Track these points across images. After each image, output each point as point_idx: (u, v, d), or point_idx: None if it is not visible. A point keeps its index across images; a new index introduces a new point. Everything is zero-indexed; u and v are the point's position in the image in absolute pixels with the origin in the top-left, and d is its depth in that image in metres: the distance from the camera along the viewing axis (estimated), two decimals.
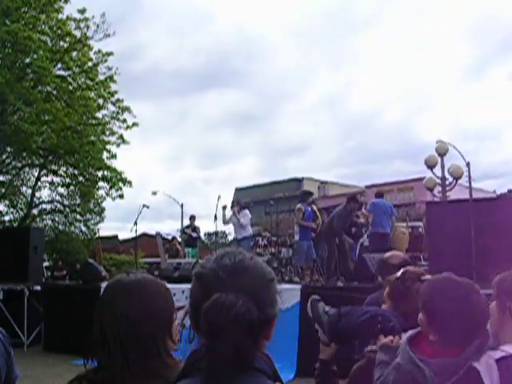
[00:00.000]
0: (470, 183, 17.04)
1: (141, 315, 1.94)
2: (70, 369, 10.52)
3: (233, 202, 16.26)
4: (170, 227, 50.36)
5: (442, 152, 16.39)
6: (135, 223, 14.65)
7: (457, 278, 2.59)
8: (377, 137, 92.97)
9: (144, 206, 15.24)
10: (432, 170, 16.59)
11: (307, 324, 9.75)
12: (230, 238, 43.84)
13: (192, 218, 18.68)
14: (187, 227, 18.63)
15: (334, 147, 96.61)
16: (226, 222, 15.42)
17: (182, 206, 42.01)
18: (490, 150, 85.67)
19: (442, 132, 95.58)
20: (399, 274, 3.20)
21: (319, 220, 14.69)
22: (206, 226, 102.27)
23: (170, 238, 20.95)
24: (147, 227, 35.96)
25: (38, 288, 13.83)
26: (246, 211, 15.54)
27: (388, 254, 4.77)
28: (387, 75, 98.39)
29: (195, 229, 18.21)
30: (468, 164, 16.57)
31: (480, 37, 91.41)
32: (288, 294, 10.09)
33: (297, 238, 14.18)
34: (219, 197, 15.25)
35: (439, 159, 16.53)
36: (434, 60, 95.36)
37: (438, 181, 16.69)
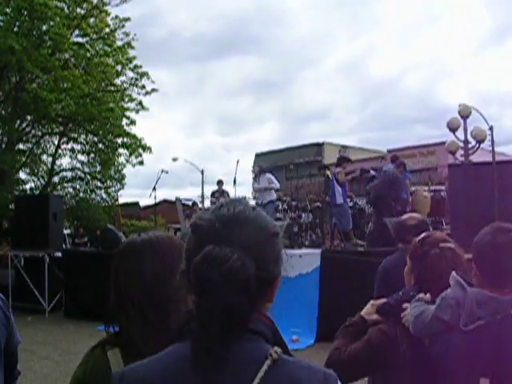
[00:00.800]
0: (492, 147, 16.77)
1: (155, 274, 1.88)
2: (90, 334, 10.55)
3: (253, 168, 16.09)
4: (191, 193, 50.50)
5: (464, 115, 16.01)
6: (154, 189, 14.62)
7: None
8: (397, 102, 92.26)
9: (163, 171, 15.18)
10: (454, 133, 16.24)
11: (327, 289, 9.74)
12: (252, 202, 43.78)
13: (220, 182, 18.41)
14: (215, 192, 18.44)
15: (354, 113, 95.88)
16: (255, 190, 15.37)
17: (202, 172, 41.99)
18: None
19: (464, 97, 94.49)
20: (420, 237, 3.11)
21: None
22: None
23: (190, 203, 20.83)
24: (168, 194, 36.20)
25: (59, 255, 13.86)
26: (268, 175, 15.39)
27: (405, 216, 4.69)
28: (407, 41, 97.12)
29: (223, 193, 18.05)
30: (491, 128, 16.28)
31: (502, 2, 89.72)
32: (308, 259, 10.03)
33: (340, 200, 13.91)
34: (238, 161, 15.14)
35: (462, 122, 16.19)
36: (455, 25, 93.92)
37: (461, 144, 16.38)
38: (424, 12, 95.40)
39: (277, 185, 15.35)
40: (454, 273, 2.58)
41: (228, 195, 17.89)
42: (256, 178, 15.34)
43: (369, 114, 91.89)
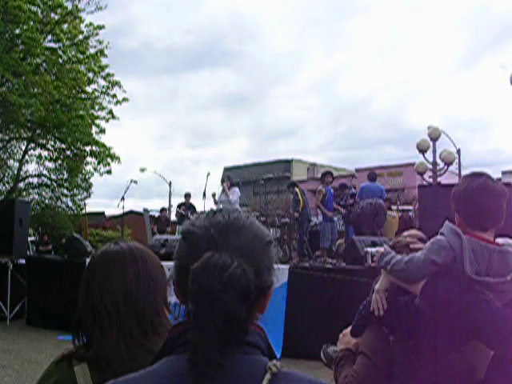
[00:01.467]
0: (459, 169, 17.00)
1: (139, 284, 1.82)
2: (53, 343, 10.41)
3: (222, 179, 15.97)
4: (157, 205, 50.24)
5: (434, 137, 16.28)
6: (122, 198, 14.49)
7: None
8: (368, 122, 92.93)
9: (132, 181, 15.07)
10: (424, 155, 16.48)
11: (294, 305, 9.71)
12: None
13: (187, 195, 18.31)
14: (182, 205, 18.33)
15: (325, 131, 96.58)
16: (217, 202, 15.23)
17: (170, 184, 41.94)
18: (479, 139, 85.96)
19: (433, 120, 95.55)
20: (392, 241, 3.26)
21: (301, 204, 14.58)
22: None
23: (156, 215, 20.73)
24: (135, 205, 35.90)
25: (23, 261, 13.64)
26: (236, 189, 15.36)
27: (404, 233, 4.79)
28: (380, 61, 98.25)
29: (191, 207, 17.94)
30: (459, 151, 16.58)
31: (473, 27, 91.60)
32: (276, 275, 9.96)
33: (320, 219, 13.98)
34: (208, 174, 15.13)
35: (431, 144, 16.43)
36: (427, 48, 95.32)
37: (429, 166, 16.59)
38: (397, 33, 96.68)
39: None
40: (447, 221, 2.78)
41: (194, 209, 17.81)
42: (223, 190, 15.25)
43: (339, 132, 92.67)
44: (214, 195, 15.19)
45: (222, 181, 15.92)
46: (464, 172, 21.55)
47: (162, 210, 19.02)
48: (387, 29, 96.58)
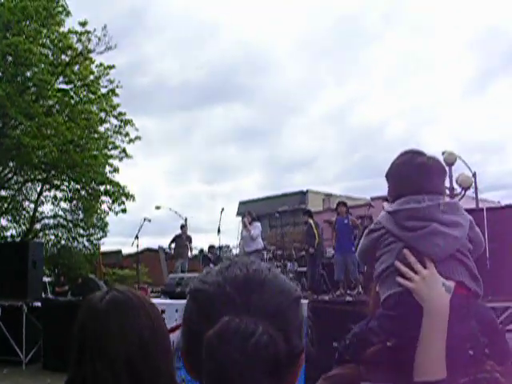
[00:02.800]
0: (476, 193, 16.76)
1: (152, 334, 1.62)
2: None
3: (239, 213, 15.77)
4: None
5: (449, 162, 16.08)
6: (136, 237, 14.36)
7: None
8: (382, 150, 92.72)
9: (145, 219, 14.93)
10: None
11: (314, 341, 9.45)
12: (235, 251, 43.47)
13: (183, 226, 18.15)
14: (178, 236, 17.99)
15: (339, 161, 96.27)
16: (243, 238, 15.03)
17: (185, 220, 41.79)
18: (494, 162, 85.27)
19: (447, 144, 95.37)
20: None
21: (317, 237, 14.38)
22: (209, 240, 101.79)
23: (172, 252, 20.42)
24: (150, 242, 35.81)
25: (38, 304, 13.48)
26: (258, 223, 15.17)
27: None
28: (392, 88, 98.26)
29: (188, 238, 17.72)
30: (474, 174, 16.33)
31: (484, 49, 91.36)
32: None
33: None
34: (222, 209, 14.94)
35: (447, 169, 16.20)
36: (439, 73, 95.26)
37: (446, 191, 16.34)
38: (408, 59, 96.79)
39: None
40: None
41: (190, 240, 17.59)
42: (245, 225, 15.07)
43: (353, 162, 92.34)
44: (239, 244, 15.02)
45: (243, 216, 15.73)
46: (481, 196, 21.31)
47: (182, 226, 18.44)
48: (398, 55, 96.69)
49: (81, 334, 1.63)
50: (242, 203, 46.58)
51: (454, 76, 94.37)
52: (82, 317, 1.67)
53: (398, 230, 2.29)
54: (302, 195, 44.94)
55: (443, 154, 21.27)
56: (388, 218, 2.37)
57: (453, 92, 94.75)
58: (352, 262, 13.18)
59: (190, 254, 17.63)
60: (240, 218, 45.04)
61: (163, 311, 11.06)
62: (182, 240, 17.44)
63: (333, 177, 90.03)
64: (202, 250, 17.81)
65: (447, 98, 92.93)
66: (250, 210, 15.88)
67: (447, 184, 16.48)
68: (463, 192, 16.06)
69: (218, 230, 14.24)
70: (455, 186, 16.32)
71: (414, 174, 2.45)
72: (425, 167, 2.46)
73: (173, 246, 17.77)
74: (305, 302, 9.97)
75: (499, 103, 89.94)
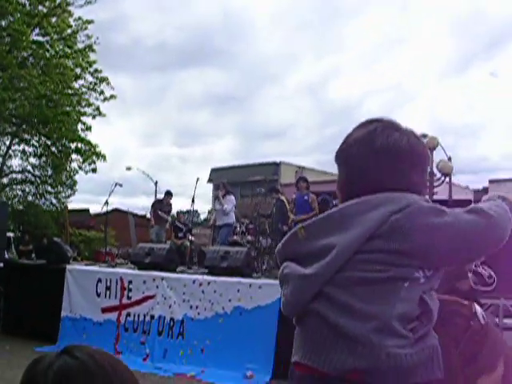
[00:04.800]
0: (450, 180, 16.51)
1: None
2: (29, 357, 9.73)
3: (217, 186, 15.19)
4: (142, 203, 49.79)
5: (431, 147, 15.71)
6: (106, 202, 13.82)
7: None
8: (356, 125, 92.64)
9: (117, 184, 14.37)
10: None
11: (287, 322, 9.15)
12: (203, 216, 43.03)
13: (168, 193, 17.23)
14: (159, 201, 17.36)
15: (313, 134, 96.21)
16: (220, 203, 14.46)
17: (156, 183, 41.31)
18: (465, 146, 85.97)
19: (422, 125, 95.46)
20: None
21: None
22: (178, 204, 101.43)
23: (143, 213, 19.87)
24: (119, 202, 35.40)
25: (0, 265, 12.98)
26: (232, 197, 14.70)
27: None
28: (370, 65, 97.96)
29: (169, 206, 16.91)
30: (450, 158, 16.01)
31: (466, 33, 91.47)
32: (268, 290, 9.39)
33: None
34: (198, 179, 14.45)
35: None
36: (418, 53, 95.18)
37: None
38: (389, 37, 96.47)
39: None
40: None
41: (171, 208, 16.88)
42: (217, 198, 14.63)
43: (327, 135, 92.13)
44: (210, 212, 14.57)
45: (216, 188, 15.22)
46: (454, 180, 21.10)
47: (168, 193, 17.38)
48: (379, 32, 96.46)
49: None
50: (213, 170, 46.19)
51: (433, 57, 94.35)
52: None
53: None
54: (275, 166, 44.59)
55: (425, 137, 20.99)
56: None
57: (431, 73, 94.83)
58: None
59: (167, 222, 16.85)
60: (211, 185, 44.87)
61: (130, 282, 10.69)
62: (163, 206, 16.75)
63: (305, 149, 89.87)
64: (173, 221, 17.17)
65: (426, 78, 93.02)
66: (224, 182, 15.37)
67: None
68: (443, 178, 15.75)
69: (193, 200, 13.74)
70: (435, 171, 15.99)
71: (351, 165, 1.88)
72: (376, 155, 1.83)
73: (179, 224, 17.07)
74: (277, 282, 9.64)
75: (477, 88, 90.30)
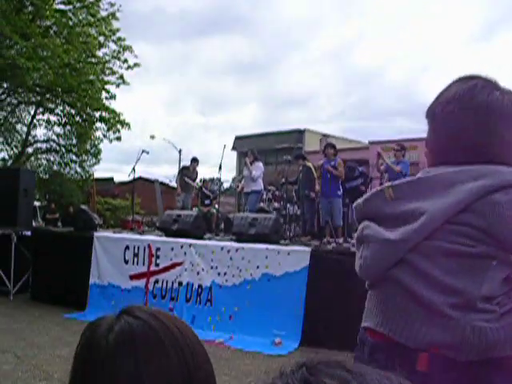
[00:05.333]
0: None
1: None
2: (58, 323, 9.84)
3: (246, 152, 14.99)
4: (166, 171, 49.86)
5: None
6: (133, 170, 13.79)
7: None
8: (381, 93, 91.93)
9: (144, 151, 14.34)
10: None
11: (315, 290, 9.12)
12: (226, 185, 43.04)
13: (195, 160, 16.88)
14: (186, 168, 16.98)
15: (337, 101, 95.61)
16: (237, 187, 14.39)
17: (180, 151, 41.30)
18: None
19: None
20: None
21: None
22: (203, 172, 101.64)
23: (168, 182, 19.77)
24: (143, 170, 35.50)
25: (28, 233, 13.06)
26: (260, 164, 14.55)
27: None
28: (395, 31, 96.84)
29: (195, 173, 16.60)
30: None
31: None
32: (297, 257, 9.38)
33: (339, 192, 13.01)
34: (225, 146, 14.38)
35: None
36: (443, 20, 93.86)
37: None
38: (415, 3, 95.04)
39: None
40: None
41: (197, 175, 16.57)
42: (246, 164, 14.51)
43: (351, 103, 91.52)
44: (234, 180, 14.44)
45: (245, 154, 15.05)
46: None
47: (194, 160, 16.97)
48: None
49: None
50: (237, 138, 45.96)
51: (458, 23, 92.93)
52: (79, 358, 1.08)
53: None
54: (300, 134, 44.26)
55: None
56: None
57: (456, 39, 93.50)
58: (337, 208, 12.60)
59: (194, 189, 16.61)
60: (235, 153, 44.78)
61: (158, 249, 10.71)
62: (189, 173, 16.48)
63: (329, 116, 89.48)
64: (200, 187, 17.02)
65: (451, 44, 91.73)
66: (252, 149, 15.25)
67: None
68: None
69: (220, 167, 13.69)
70: None
71: (449, 124, 1.72)
72: (476, 114, 1.68)
73: (205, 191, 16.94)
74: (307, 249, 9.60)
75: (503, 53, 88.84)
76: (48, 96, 26.78)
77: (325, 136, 44.63)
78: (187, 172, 16.42)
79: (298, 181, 14.44)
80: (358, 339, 1.85)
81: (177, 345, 1.05)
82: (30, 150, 29.17)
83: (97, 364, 1.02)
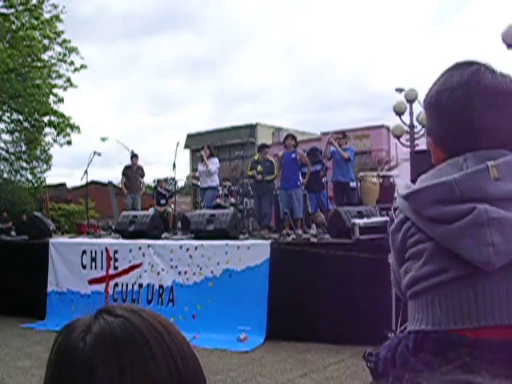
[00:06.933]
0: (426, 133, 16.41)
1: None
2: (17, 334, 9.60)
3: (202, 147, 14.78)
4: (119, 174, 49.40)
5: (410, 99, 15.63)
6: (86, 172, 13.56)
7: None
8: (332, 85, 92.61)
9: (95, 153, 14.11)
10: (400, 117, 15.86)
11: (277, 282, 9.06)
12: (180, 184, 42.79)
13: (134, 156, 16.50)
14: (128, 167, 16.27)
15: (289, 94, 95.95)
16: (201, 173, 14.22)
17: (131, 152, 40.88)
18: None
19: (397, 82, 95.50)
20: None
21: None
22: (156, 173, 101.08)
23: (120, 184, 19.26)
24: (96, 174, 35.07)
25: None
26: (215, 159, 14.41)
27: None
28: (344, 23, 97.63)
29: (138, 169, 16.26)
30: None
31: None
32: (257, 250, 9.31)
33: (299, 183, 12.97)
34: (178, 144, 14.21)
35: (408, 106, 15.81)
36: (393, 10, 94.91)
37: (406, 128, 15.99)
38: None
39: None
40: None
41: (142, 172, 16.29)
42: (201, 159, 14.33)
43: (303, 95, 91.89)
44: (188, 178, 14.25)
45: (201, 149, 14.84)
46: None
47: (133, 156, 16.65)
48: None
49: None
50: (189, 136, 45.77)
51: (407, 14, 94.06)
52: (53, 366, 0.93)
53: (423, 222, 1.57)
54: (252, 128, 44.24)
55: (401, 91, 20.86)
56: (404, 203, 1.62)
57: (406, 30, 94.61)
58: (297, 199, 12.62)
59: (142, 187, 16.27)
60: (187, 152, 44.53)
61: (116, 251, 10.52)
62: (133, 172, 16.08)
63: (282, 109, 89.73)
64: (155, 187, 16.81)
65: (401, 35, 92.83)
66: (209, 144, 15.09)
67: (407, 121, 16.12)
68: (424, 130, 15.69)
69: (174, 165, 13.52)
70: (416, 123, 15.94)
71: (489, 113, 1.58)
72: (484, 97, 1.59)
73: (161, 190, 16.70)
74: (267, 243, 9.52)
75: (451, 43, 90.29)
76: None
77: (277, 129, 44.77)
78: (131, 171, 16.03)
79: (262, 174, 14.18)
80: (433, 347, 1.55)
81: (163, 344, 0.93)
82: None
83: (74, 371, 0.89)
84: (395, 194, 15.29)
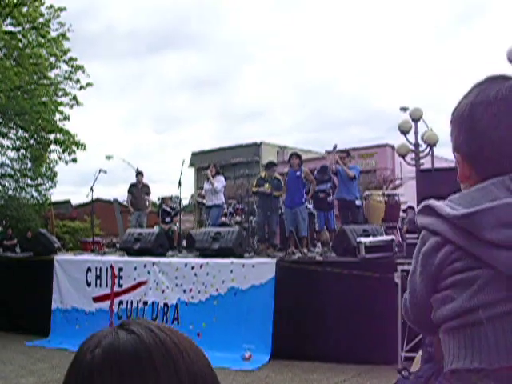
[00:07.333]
0: (432, 151, 16.42)
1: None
2: (20, 351, 9.58)
3: (208, 166, 14.80)
4: (124, 192, 49.48)
5: (415, 118, 15.65)
6: (91, 189, 13.60)
7: None
8: (334, 103, 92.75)
9: (101, 170, 14.16)
10: (406, 136, 15.86)
11: (282, 301, 9.03)
12: (185, 202, 42.78)
13: (139, 173, 16.49)
14: (133, 185, 16.23)
15: (292, 113, 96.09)
16: (199, 202, 14.26)
17: (137, 170, 40.94)
18: (447, 118, 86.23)
19: (401, 100, 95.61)
20: None
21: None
22: (162, 190, 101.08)
23: (125, 202, 19.32)
24: (101, 191, 35.09)
25: None
26: (221, 177, 14.42)
27: None
28: (346, 41, 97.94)
29: (144, 187, 16.25)
30: (431, 130, 15.95)
31: (441, 7, 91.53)
32: (262, 269, 9.29)
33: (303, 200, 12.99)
34: (183, 161, 14.24)
35: (413, 125, 15.82)
36: (395, 29, 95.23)
37: (411, 147, 15.99)
38: (366, 13, 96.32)
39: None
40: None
41: (148, 190, 16.27)
42: (207, 178, 14.34)
43: (306, 114, 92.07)
44: (192, 196, 14.25)
45: (206, 168, 14.87)
46: (439, 153, 21.04)
47: (138, 173, 16.56)
48: (355, 8, 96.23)
49: None
50: (194, 154, 45.82)
51: (409, 33, 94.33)
52: (67, 372, 0.93)
53: (478, 247, 1.42)
54: (256, 147, 44.31)
55: (403, 109, 20.90)
56: (451, 227, 1.46)
57: (408, 49, 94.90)
58: (302, 218, 12.61)
59: (148, 205, 16.21)
60: (192, 170, 44.55)
61: (121, 269, 10.51)
62: (138, 190, 16.04)
63: (285, 128, 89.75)
64: (160, 204, 16.81)
65: (403, 54, 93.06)
66: (215, 163, 15.12)
67: (412, 140, 16.11)
68: (429, 149, 15.71)
69: (179, 183, 13.52)
70: (421, 142, 15.93)
71: (495, 126, 1.50)
72: None
73: (166, 208, 16.70)
74: (272, 261, 9.50)
75: (454, 62, 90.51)
76: (0, 120, 26.32)
77: (281, 148, 44.81)
78: (135, 189, 16.04)
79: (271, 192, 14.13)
80: None
81: (171, 365, 0.90)
82: None
83: (77, 382, 0.89)
84: (400, 213, 15.35)
